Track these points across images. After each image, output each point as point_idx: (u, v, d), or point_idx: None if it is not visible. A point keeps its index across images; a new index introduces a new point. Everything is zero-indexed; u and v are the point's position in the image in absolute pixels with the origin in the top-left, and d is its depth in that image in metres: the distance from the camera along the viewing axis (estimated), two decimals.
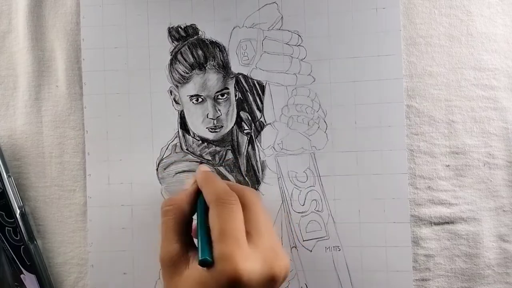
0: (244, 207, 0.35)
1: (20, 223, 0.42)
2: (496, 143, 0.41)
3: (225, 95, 0.42)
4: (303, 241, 0.41)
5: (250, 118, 0.42)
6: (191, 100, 0.42)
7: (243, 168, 0.42)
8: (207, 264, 0.32)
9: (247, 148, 0.42)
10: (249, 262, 0.32)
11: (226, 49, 0.42)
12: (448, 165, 0.41)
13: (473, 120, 0.41)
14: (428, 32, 0.42)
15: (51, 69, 0.44)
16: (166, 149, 0.42)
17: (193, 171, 0.42)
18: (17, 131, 0.44)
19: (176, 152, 0.42)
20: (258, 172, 0.42)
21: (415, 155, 0.41)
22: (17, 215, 0.42)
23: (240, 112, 0.42)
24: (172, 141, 0.43)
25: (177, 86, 0.43)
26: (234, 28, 0.42)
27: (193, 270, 0.33)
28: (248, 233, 0.33)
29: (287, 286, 0.41)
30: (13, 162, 0.44)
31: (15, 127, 0.44)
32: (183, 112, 0.43)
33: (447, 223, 0.41)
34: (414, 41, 0.41)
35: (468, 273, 0.41)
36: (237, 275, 0.31)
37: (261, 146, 0.42)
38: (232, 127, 0.42)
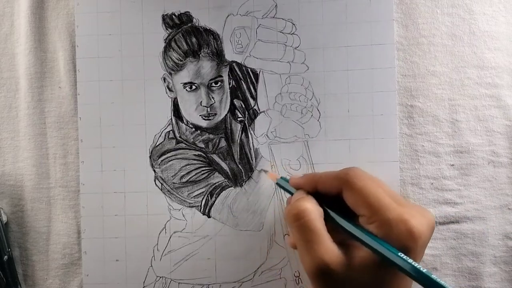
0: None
1: (6, 269, 0.42)
2: (500, 141, 0.41)
3: (219, 82, 0.42)
4: None
5: (243, 106, 0.42)
6: (184, 87, 0.42)
7: (237, 156, 0.42)
8: None
9: (241, 136, 0.42)
10: (415, 218, 0.32)
11: (220, 37, 0.42)
12: (453, 165, 0.41)
13: (477, 118, 0.41)
14: (430, 32, 0.42)
15: (54, 70, 0.44)
16: (159, 136, 0.43)
17: (186, 159, 0.42)
18: (20, 132, 0.44)
19: (169, 140, 0.43)
20: (252, 160, 0.42)
21: (419, 155, 0.41)
22: (4, 261, 0.42)
23: (234, 100, 0.42)
24: (165, 128, 0.43)
25: (170, 74, 0.43)
26: (228, 16, 0.42)
27: (366, 255, 0.32)
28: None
29: (280, 273, 0.42)
30: (16, 164, 0.44)
31: (18, 129, 0.44)
32: (177, 100, 0.43)
33: (453, 222, 0.41)
34: (416, 41, 0.41)
35: (475, 271, 0.41)
36: (414, 234, 0.31)
37: (254, 134, 0.42)
38: (226, 114, 0.42)
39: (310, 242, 0.32)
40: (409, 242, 0.31)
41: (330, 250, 0.32)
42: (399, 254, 0.31)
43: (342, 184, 0.34)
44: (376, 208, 0.32)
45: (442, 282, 0.30)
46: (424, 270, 0.30)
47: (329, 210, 0.34)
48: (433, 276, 0.30)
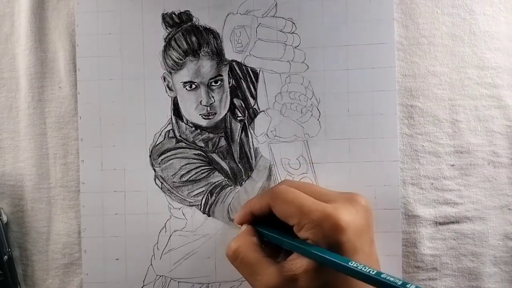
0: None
1: (6, 269, 0.42)
2: (500, 142, 0.41)
3: (219, 82, 0.42)
4: None
5: (243, 105, 0.42)
6: (184, 86, 0.42)
7: (236, 155, 0.42)
8: None
9: (240, 135, 0.42)
10: (340, 210, 0.33)
11: (220, 36, 0.42)
12: (453, 165, 0.41)
13: (477, 119, 0.41)
14: (431, 32, 0.41)
15: (54, 70, 0.44)
16: (159, 135, 0.43)
17: (186, 158, 0.42)
18: (20, 132, 0.44)
19: (169, 139, 0.43)
20: (251, 159, 0.42)
21: (419, 155, 0.41)
22: (4, 261, 0.42)
23: (234, 99, 0.42)
24: (165, 127, 0.43)
25: (170, 73, 0.43)
26: (228, 15, 0.42)
27: (307, 262, 0.33)
28: None
29: None
30: (17, 164, 0.44)
31: (19, 129, 0.44)
32: (177, 99, 0.43)
33: (453, 222, 0.41)
34: (417, 41, 0.41)
35: (475, 272, 0.41)
36: (340, 226, 0.32)
37: (254, 133, 0.42)
38: (226, 114, 0.43)
39: (252, 274, 0.35)
40: (337, 236, 0.33)
41: (271, 274, 0.34)
42: (327, 253, 0.32)
43: (269, 202, 0.36)
44: (301, 212, 0.34)
45: (367, 270, 0.31)
46: (352, 264, 0.31)
47: (261, 230, 0.37)
48: (357, 266, 0.31)
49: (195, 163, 0.42)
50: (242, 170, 0.42)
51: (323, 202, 0.35)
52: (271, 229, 0.37)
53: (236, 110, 0.42)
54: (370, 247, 0.36)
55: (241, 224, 0.39)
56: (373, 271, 0.30)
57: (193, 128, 0.43)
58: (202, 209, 0.42)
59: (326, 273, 0.33)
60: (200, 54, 0.42)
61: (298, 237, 0.35)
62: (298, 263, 0.34)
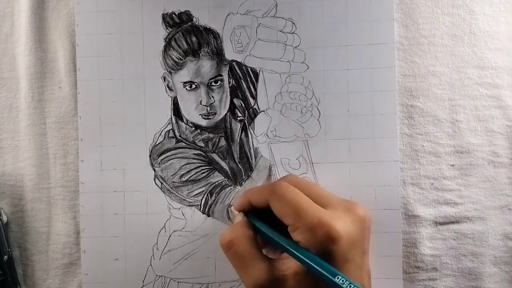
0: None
1: (6, 269, 0.42)
2: (500, 142, 0.41)
3: (219, 82, 0.42)
4: None
5: (243, 105, 0.42)
6: (184, 86, 0.42)
7: (236, 155, 0.42)
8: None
9: (240, 135, 0.42)
10: (336, 220, 0.33)
11: (220, 36, 0.42)
12: (453, 165, 0.41)
13: (477, 119, 0.41)
14: (431, 32, 0.42)
15: (54, 70, 0.44)
16: (159, 135, 0.43)
17: (186, 158, 0.42)
18: (20, 132, 0.44)
19: (169, 139, 0.43)
20: (251, 159, 0.42)
21: (419, 155, 0.41)
22: (4, 261, 0.42)
23: (234, 99, 0.42)
24: (165, 127, 0.43)
25: (170, 73, 0.43)
26: (228, 15, 0.42)
27: (294, 263, 0.33)
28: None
29: None
30: (17, 164, 0.44)
31: (19, 129, 0.44)
32: (177, 99, 0.43)
33: (453, 222, 0.41)
34: (417, 41, 0.41)
35: (475, 272, 0.41)
36: (332, 236, 0.32)
37: (254, 133, 0.42)
38: (226, 114, 0.42)
39: (243, 267, 0.35)
40: (329, 245, 0.32)
41: (261, 270, 0.34)
42: (316, 263, 0.32)
43: (268, 197, 0.35)
44: (297, 214, 0.33)
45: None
46: (338, 279, 0.30)
47: (257, 225, 0.36)
48: (343, 282, 0.30)
49: (195, 163, 0.42)
50: (242, 170, 0.42)
51: (322, 205, 0.34)
52: (266, 224, 0.36)
53: (236, 110, 0.42)
54: (362, 258, 0.35)
55: (239, 210, 0.39)
56: None
57: (193, 128, 0.43)
58: (201, 209, 0.42)
59: (315, 277, 0.33)
60: (200, 54, 0.42)
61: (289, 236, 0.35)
62: (288, 264, 0.34)
